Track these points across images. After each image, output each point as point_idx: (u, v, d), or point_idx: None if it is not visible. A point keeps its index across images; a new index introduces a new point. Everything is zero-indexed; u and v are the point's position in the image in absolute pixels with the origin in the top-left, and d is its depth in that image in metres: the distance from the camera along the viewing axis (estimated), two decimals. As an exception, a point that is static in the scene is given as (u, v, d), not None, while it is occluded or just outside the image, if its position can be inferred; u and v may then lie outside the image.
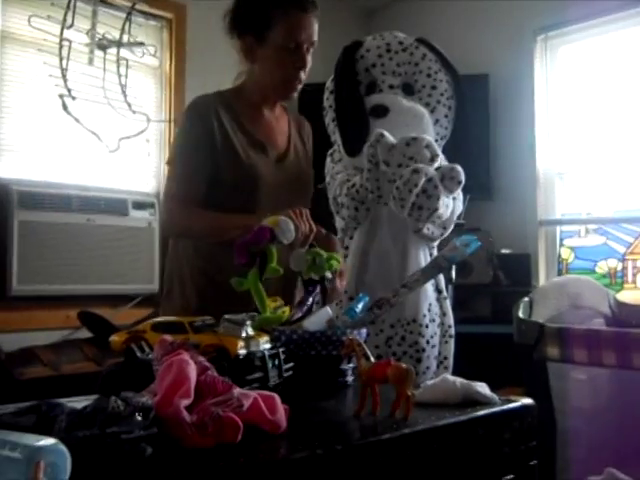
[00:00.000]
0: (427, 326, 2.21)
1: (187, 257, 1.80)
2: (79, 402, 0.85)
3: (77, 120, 3.11)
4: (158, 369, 0.96)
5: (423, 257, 2.24)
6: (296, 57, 1.70)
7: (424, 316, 2.21)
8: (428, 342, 2.21)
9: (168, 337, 1.05)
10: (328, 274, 1.52)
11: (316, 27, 1.72)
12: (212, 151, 1.71)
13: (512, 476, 1.14)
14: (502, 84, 3.82)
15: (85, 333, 2.84)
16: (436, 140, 2.24)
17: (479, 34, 3.94)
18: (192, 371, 0.92)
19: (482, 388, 1.19)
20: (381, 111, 2.21)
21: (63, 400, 0.88)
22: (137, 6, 3.23)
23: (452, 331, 2.34)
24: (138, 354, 1.13)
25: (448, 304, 2.33)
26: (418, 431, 0.99)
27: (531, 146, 3.73)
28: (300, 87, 1.78)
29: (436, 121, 2.22)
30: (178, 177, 1.75)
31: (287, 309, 1.41)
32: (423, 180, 1.98)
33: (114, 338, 1.20)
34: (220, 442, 0.84)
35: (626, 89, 3.46)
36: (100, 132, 3.21)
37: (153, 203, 3.39)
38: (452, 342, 2.35)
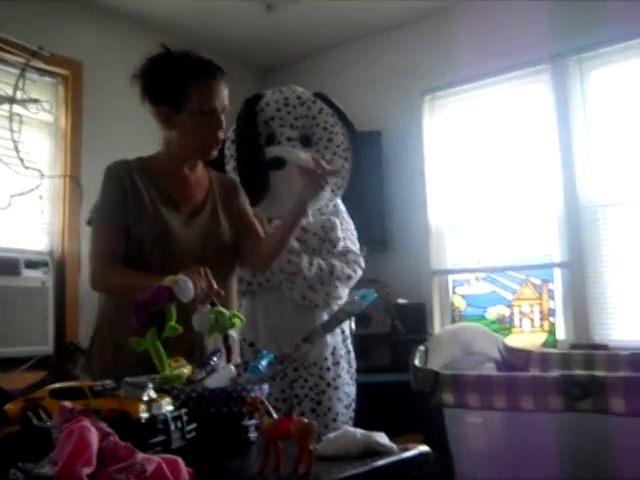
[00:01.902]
0: (328, 369, 2.25)
1: (107, 314, 1.83)
2: (-26, 477, 0.82)
3: (-35, 177, 3.01)
4: (58, 437, 0.94)
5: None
6: (212, 120, 1.79)
7: (326, 359, 2.26)
8: (329, 384, 2.25)
9: (68, 403, 1.04)
10: (232, 332, 1.53)
11: (226, 91, 1.81)
12: (126, 210, 1.77)
13: (412, 524, 1.18)
14: (394, 141, 4.01)
15: (-27, 400, 2.68)
16: (332, 190, 2.33)
17: (371, 94, 4.14)
18: (93, 438, 0.91)
19: (381, 438, 1.23)
20: (278, 163, 2.29)
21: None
22: (32, 62, 3.18)
23: (355, 375, 2.40)
24: (35, 422, 1.11)
25: (351, 346, 2.39)
26: (320, 485, 1.02)
27: (422, 199, 3.91)
28: (219, 146, 1.85)
29: None
30: (97, 236, 1.81)
31: (189, 368, 1.41)
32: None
33: (9, 407, 1.16)
34: (123, 509, 0.84)
35: (506, 144, 3.72)
36: (-10, 189, 3.12)
37: (47, 262, 3.28)
38: (355, 385, 2.41)
